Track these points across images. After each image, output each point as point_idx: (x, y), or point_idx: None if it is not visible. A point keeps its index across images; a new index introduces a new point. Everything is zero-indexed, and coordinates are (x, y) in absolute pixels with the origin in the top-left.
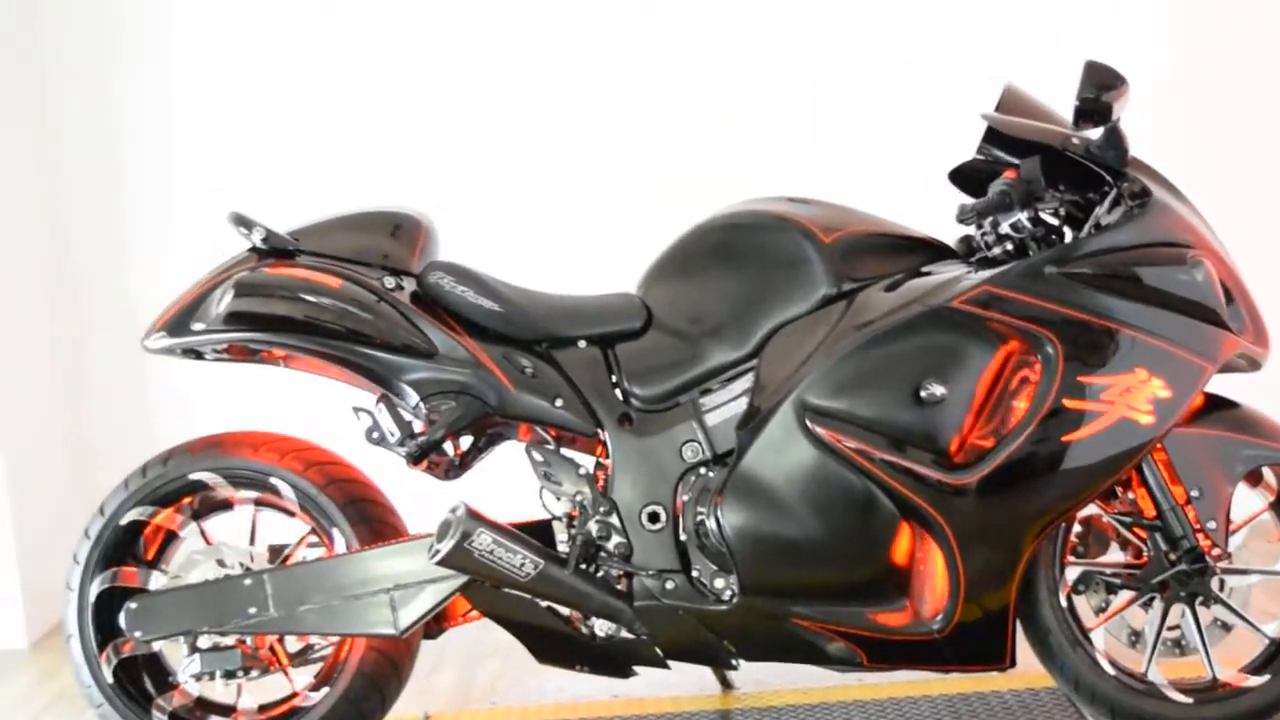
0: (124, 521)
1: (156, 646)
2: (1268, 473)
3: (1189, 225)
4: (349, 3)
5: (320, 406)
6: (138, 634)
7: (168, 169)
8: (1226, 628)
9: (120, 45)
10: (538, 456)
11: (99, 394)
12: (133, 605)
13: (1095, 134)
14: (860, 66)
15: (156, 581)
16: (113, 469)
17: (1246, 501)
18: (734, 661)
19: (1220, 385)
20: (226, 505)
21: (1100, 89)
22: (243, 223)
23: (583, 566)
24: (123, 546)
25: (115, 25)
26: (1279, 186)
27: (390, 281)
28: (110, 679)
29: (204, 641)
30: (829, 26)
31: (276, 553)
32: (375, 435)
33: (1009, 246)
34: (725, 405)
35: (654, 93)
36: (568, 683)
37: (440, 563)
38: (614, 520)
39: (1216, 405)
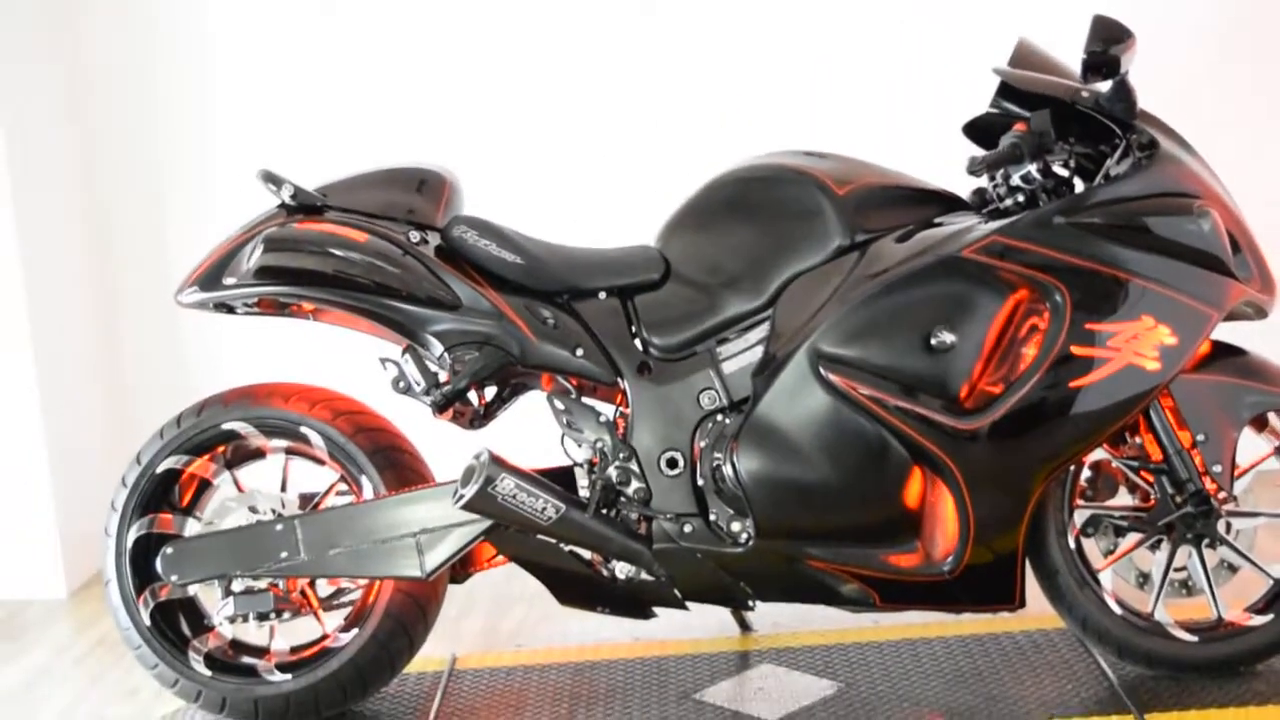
0: (160, 470)
1: (192, 591)
2: (1274, 418)
3: (1196, 176)
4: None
5: (348, 358)
6: (174, 578)
7: (201, 130)
8: (1232, 569)
9: (155, 11)
10: (559, 405)
11: (134, 349)
12: (169, 550)
13: (1104, 87)
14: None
15: (191, 528)
16: (147, 423)
17: (1253, 446)
18: (750, 603)
19: (1227, 333)
20: (258, 454)
21: (1108, 42)
22: (272, 180)
23: (603, 511)
24: (159, 494)
25: None
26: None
27: (415, 236)
28: (148, 622)
29: (238, 585)
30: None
31: (307, 500)
32: (402, 385)
33: (1020, 198)
34: (741, 354)
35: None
36: (591, 627)
37: (465, 507)
38: (633, 466)
39: (1223, 352)
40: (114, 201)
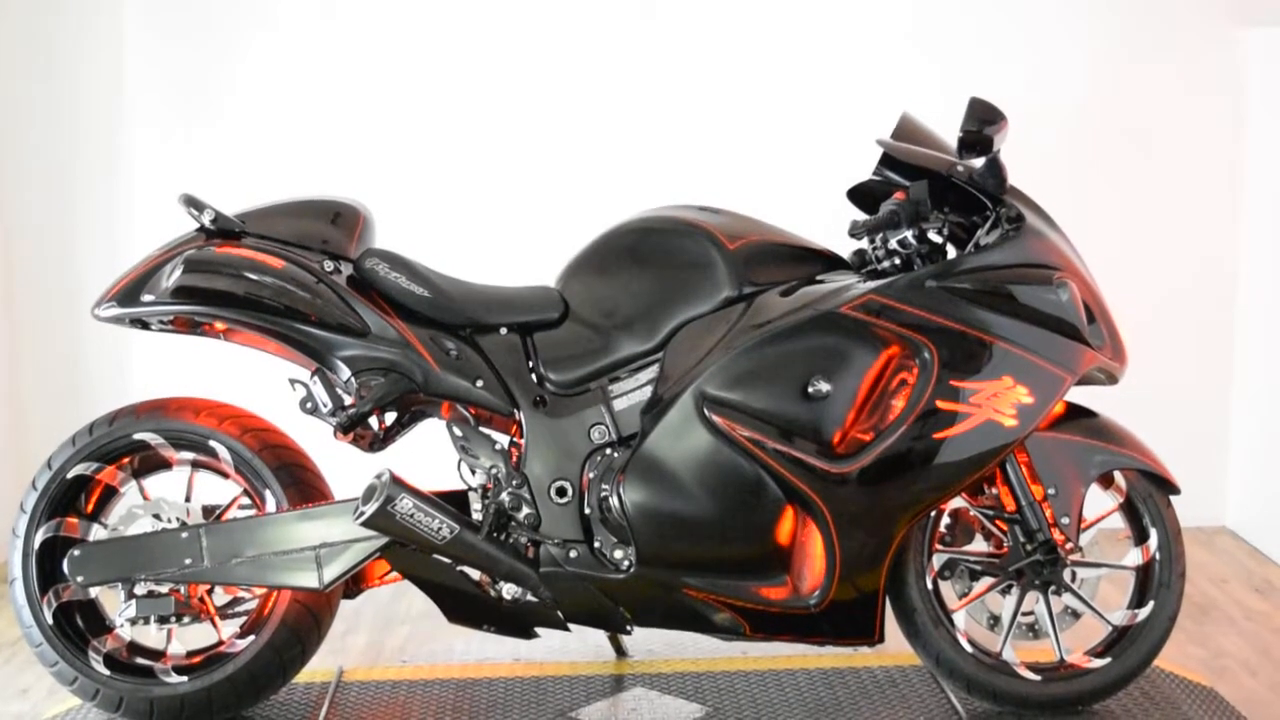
0: (70, 475)
1: (94, 593)
2: (1119, 476)
3: (1058, 249)
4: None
5: (253, 378)
6: (80, 579)
7: (111, 144)
8: (1075, 615)
9: (69, 20)
10: (458, 432)
11: (34, 360)
12: (76, 552)
13: (978, 163)
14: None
15: (96, 534)
16: (46, 431)
17: (1100, 502)
18: (629, 627)
19: (1079, 395)
20: (165, 465)
21: (983, 123)
22: (193, 204)
23: (494, 534)
24: (68, 499)
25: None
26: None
27: (329, 265)
28: (50, 621)
29: (140, 589)
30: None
31: (210, 512)
32: (309, 406)
33: (896, 261)
34: (631, 392)
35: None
36: (473, 646)
37: (364, 524)
38: (525, 493)
39: (1076, 413)
40: (19, 213)
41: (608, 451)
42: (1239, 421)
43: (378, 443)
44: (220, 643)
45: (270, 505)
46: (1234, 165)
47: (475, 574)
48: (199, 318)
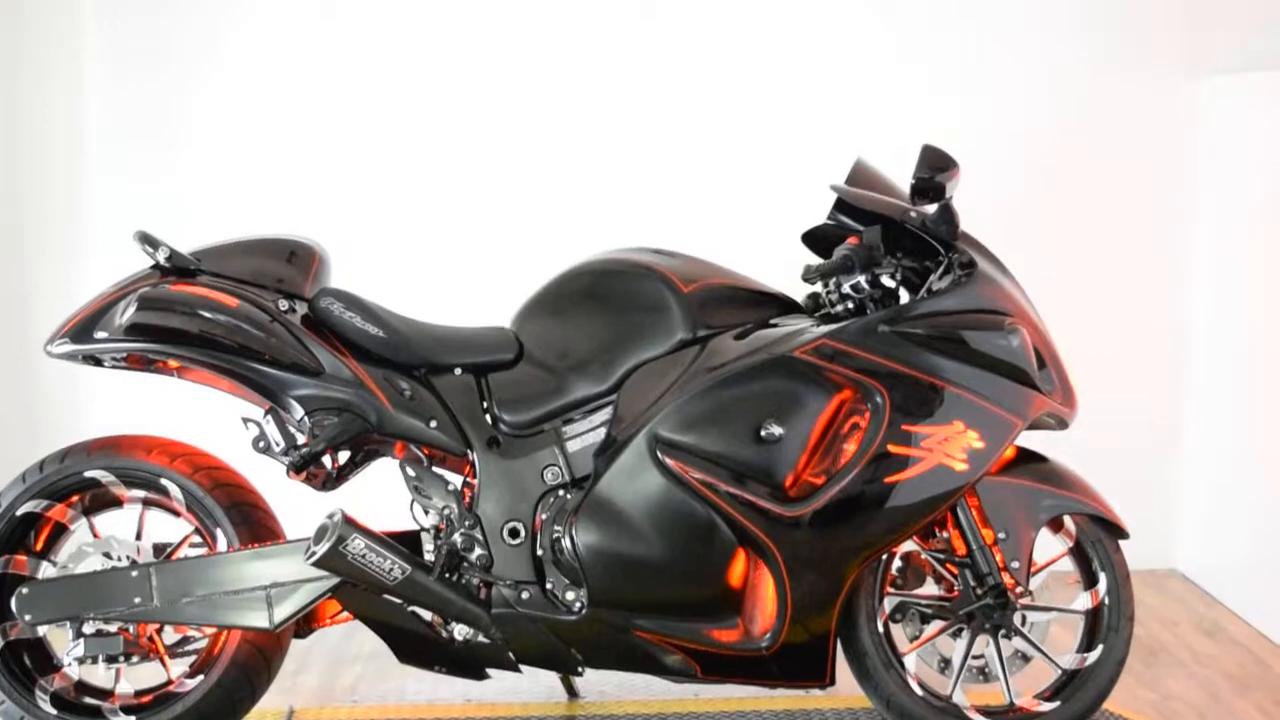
0: (20, 513)
1: (42, 632)
2: (1069, 521)
3: (1009, 295)
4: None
5: (206, 417)
6: (28, 617)
7: (69, 186)
8: (1025, 658)
9: (28, 52)
10: (411, 472)
11: None
12: (24, 590)
13: (930, 209)
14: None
15: (45, 571)
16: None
17: (1049, 546)
18: (580, 669)
19: (1030, 440)
20: (116, 502)
21: (935, 170)
22: (148, 241)
23: (447, 575)
24: (16, 537)
25: (21, 29)
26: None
27: (284, 304)
28: None
29: (89, 627)
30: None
31: (160, 550)
32: (261, 445)
33: (849, 305)
34: (585, 434)
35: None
36: (425, 687)
37: (316, 564)
38: (478, 534)
39: (1026, 458)
40: None
41: (561, 493)
42: (1188, 465)
43: (330, 482)
44: (169, 682)
45: (221, 544)
46: (1186, 211)
47: (427, 615)
48: (152, 355)
